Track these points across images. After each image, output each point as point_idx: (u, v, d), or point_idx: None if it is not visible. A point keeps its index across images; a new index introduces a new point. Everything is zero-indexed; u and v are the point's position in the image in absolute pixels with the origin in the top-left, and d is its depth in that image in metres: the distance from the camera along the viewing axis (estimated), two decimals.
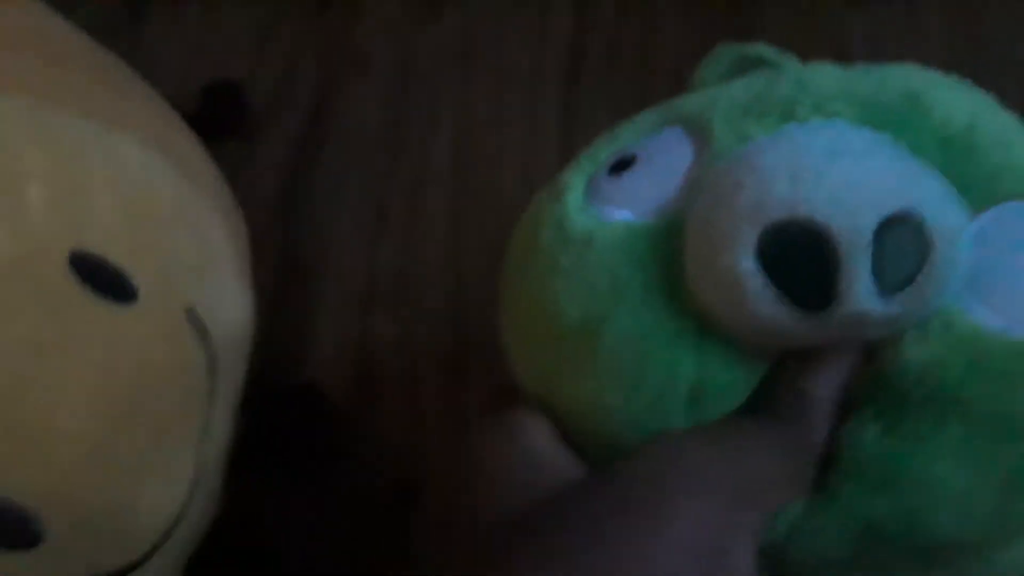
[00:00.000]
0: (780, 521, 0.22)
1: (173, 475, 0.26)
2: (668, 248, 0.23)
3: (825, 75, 0.24)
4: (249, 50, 0.42)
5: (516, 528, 0.21)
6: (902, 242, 0.21)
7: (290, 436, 0.33)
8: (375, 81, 0.41)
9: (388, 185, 0.38)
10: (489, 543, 0.21)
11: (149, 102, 0.31)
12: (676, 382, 0.22)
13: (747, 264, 0.21)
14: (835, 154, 0.22)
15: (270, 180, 0.39)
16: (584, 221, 0.24)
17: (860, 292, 0.21)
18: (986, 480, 0.21)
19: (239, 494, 0.29)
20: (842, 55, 0.25)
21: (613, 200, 0.24)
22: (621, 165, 0.25)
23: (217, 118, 0.39)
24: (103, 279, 0.25)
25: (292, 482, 0.33)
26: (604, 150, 0.26)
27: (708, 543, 0.20)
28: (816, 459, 0.22)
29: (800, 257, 0.21)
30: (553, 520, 0.21)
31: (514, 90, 0.40)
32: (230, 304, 0.29)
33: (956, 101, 0.24)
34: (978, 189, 0.22)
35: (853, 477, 0.22)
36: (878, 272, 0.21)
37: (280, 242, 0.38)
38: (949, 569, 0.23)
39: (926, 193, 0.22)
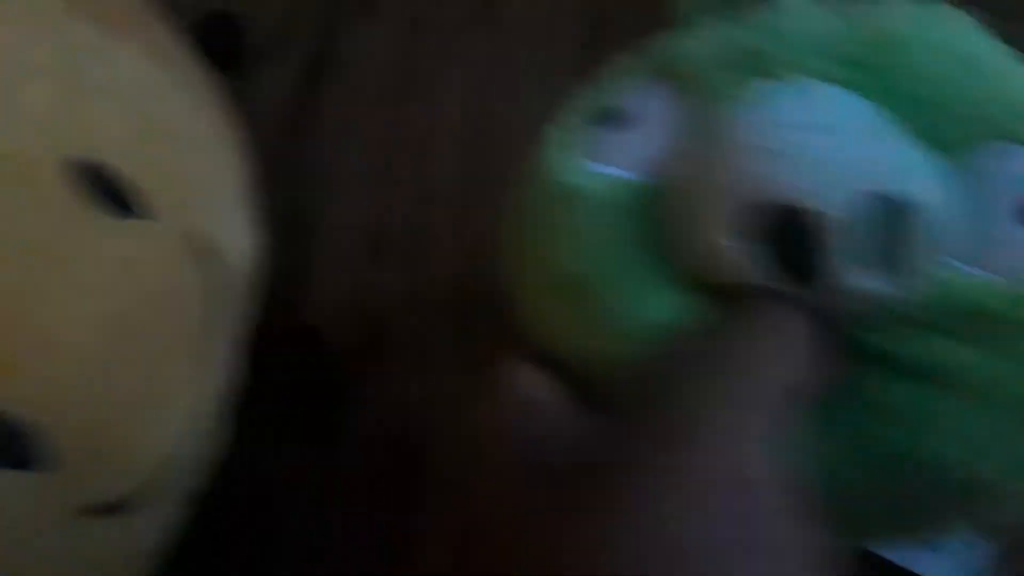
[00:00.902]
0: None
1: (171, 403, 0.24)
2: (653, 205, 0.23)
3: (808, 22, 0.24)
4: None
5: (546, 483, 0.20)
6: (880, 220, 0.21)
7: (288, 377, 0.31)
8: (383, 25, 0.40)
9: (395, 135, 0.37)
10: (519, 504, 0.20)
11: (155, 19, 0.29)
12: (662, 327, 0.23)
13: (728, 241, 0.22)
14: (813, 129, 0.22)
15: (270, 124, 0.38)
16: (573, 176, 0.24)
17: (840, 269, 0.21)
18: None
19: (238, 442, 0.28)
20: None
21: (601, 156, 0.24)
22: (607, 119, 0.25)
23: (212, 52, 0.37)
24: (107, 191, 0.23)
25: (291, 428, 0.31)
26: (591, 103, 0.26)
27: (733, 458, 0.19)
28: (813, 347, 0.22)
29: (779, 236, 0.21)
30: (584, 471, 0.20)
31: (529, 48, 0.38)
32: (234, 233, 0.28)
33: (942, 44, 0.23)
34: (957, 135, 0.22)
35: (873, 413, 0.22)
36: (857, 250, 0.21)
37: (281, 188, 0.36)
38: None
39: (903, 168, 0.22)
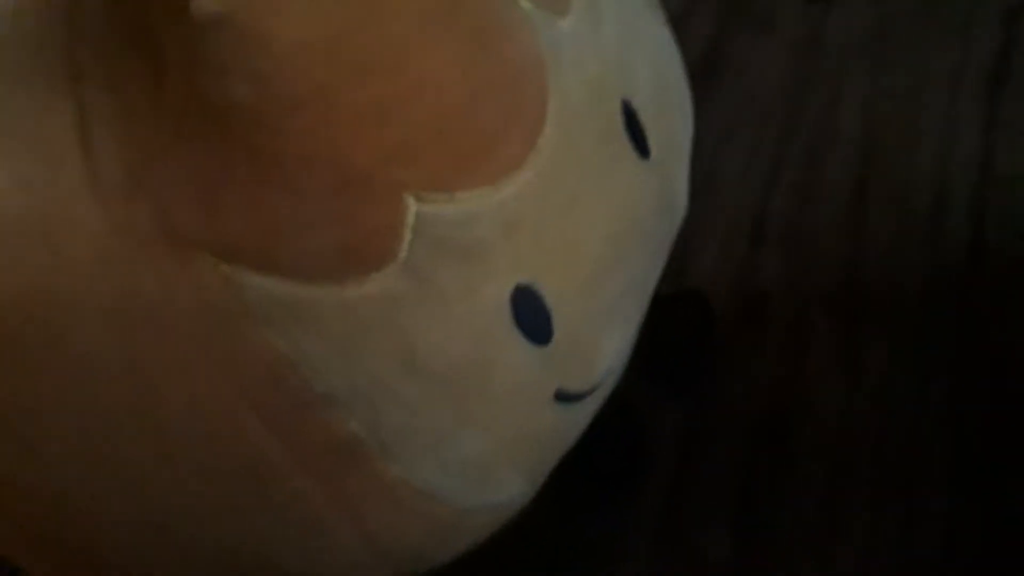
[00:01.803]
0: None
1: (626, 320, 0.28)
2: None
3: None
4: None
5: None
6: None
7: (672, 337, 0.35)
8: (779, 41, 0.43)
9: (786, 138, 0.40)
10: None
11: None
12: None
13: None
14: None
15: None
16: None
17: None
18: None
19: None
20: None
21: None
22: None
23: None
24: (633, 130, 0.27)
25: (666, 385, 0.35)
26: None
27: None
28: None
29: None
30: None
31: (933, 79, 0.41)
32: (683, 190, 0.31)
33: None
34: None
35: None
36: None
37: None
38: None
39: None
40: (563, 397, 0.27)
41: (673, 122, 0.30)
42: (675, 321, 0.36)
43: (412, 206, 0.22)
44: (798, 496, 0.34)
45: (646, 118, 0.28)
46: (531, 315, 0.25)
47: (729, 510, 0.34)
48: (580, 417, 0.29)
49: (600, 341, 0.27)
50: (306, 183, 0.21)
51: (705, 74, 0.43)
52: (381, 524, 0.24)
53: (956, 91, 0.41)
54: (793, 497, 0.34)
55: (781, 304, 0.37)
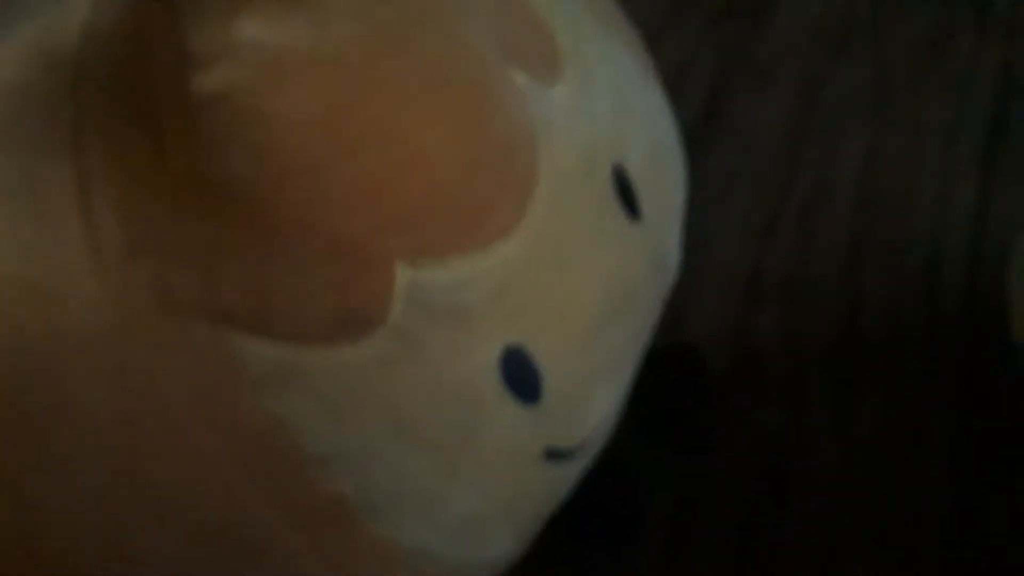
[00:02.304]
0: None
1: (617, 377, 0.28)
2: None
3: None
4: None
5: None
6: None
7: (666, 391, 0.35)
8: (777, 97, 0.43)
9: (783, 193, 0.41)
10: None
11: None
12: None
13: None
14: None
15: None
16: None
17: None
18: None
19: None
20: None
21: None
22: None
23: None
24: (625, 195, 0.27)
25: (666, 434, 0.35)
26: None
27: None
28: None
29: None
30: None
31: (930, 136, 0.41)
32: (674, 250, 0.32)
33: None
34: None
35: None
36: None
37: None
38: None
39: None
40: (553, 455, 0.27)
41: (665, 184, 0.31)
42: (669, 375, 0.36)
43: (404, 273, 0.23)
44: (796, 551, 0.34)
45: (638, 181, 0.28)
46: (521, 375, 0.25)
47: (728, 565, 0.34)
48: (570, 474, 0.29)
49: (590, 398, 0.28)
50: (301, 252, 0.22)
51: (702, 130, 0.44)
52: None
53: (952, 147, 0.41)
54: (791, 552, 0.34)
55: (777, 360, 0.37)
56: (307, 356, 0.22)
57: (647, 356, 0.31)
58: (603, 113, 0.27)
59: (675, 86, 0.45)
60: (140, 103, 0.22)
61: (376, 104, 0.22)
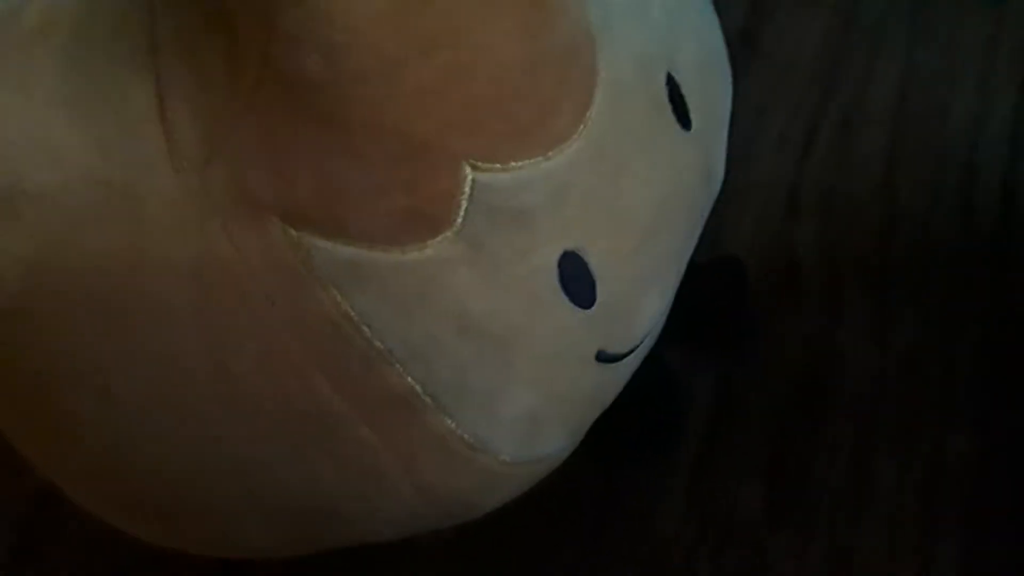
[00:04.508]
0: None
1: (665, 285, 0.29)
2: None
3: None
4: None
5: None
6: None
7: (708, 301, 0.36)
8: (815, 15, 0.44)
9: (821, 110, 0.41)
10: None
11: None
12: None
13: None
14: None
15: None
16: None
17: None
18: None
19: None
20: None
21: None
22: None
23: None
24: (676, 103, 0.28)
25: (702, 348, 0.36)
26: None
27: None
28: None
29: None
30: None
31: (966, 54, 0.41)
32: (720, 161, 0.32)
33: None
34: None
35: None
36: None
37: None
38: None
39: None
40: (604, 358, 0.28)
41: (714, 94, 0.31)
42: (711, 286, 0.37)
43: (469, 175, 0.23)
44: (829, 455, 0.35)
45: (689, 91, 0.29)
46: (577, 281, 0.26)
47: (762, 468, 0.35)
48: (619, 376, 0.30)
49: (640, 305, 0.28)
50: (371, 152, 0.23)
51: (743, 47, 0.44)
52: (433, 473, 0.26)
53: (988, 65, 0.42)
54: (824, 456, 0.35)
55: (814, 271, 0.38)
56: (377, 257, 0.23)
57: (690, 267, 0.32)
58: (659, 23, 0.27)
59: (715, 4, 0.45)
60: (214, 7, 0.23)
61: (444, 4, 0.22)
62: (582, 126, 0.25)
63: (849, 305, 0.37)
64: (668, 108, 0.27)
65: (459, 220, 0.23)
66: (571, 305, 0.26)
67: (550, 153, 0.24)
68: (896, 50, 0.43)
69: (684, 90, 0.29)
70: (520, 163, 0.24)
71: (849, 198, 0.39)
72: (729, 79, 0.33)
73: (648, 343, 0.31)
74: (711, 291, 0.37)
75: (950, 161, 0.39)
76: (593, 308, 0.26)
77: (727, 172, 0.32)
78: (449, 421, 0.25)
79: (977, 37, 0.43)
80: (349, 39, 0.21)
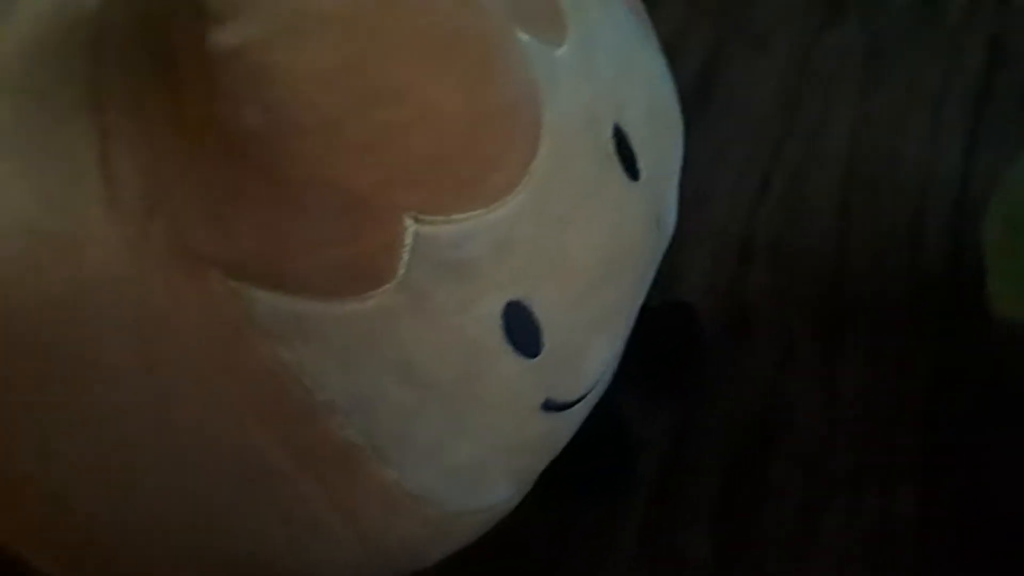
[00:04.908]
0: None
1: (613, 333, 0.29)
2: None
3: None
4: None
5: None
6: None
7: (661, 346, 0.36)
8: (772, 61, 0.44)
9: (775, 157, 0.42)
10: None
11: None
12: None
13: None
14: None
15: None
16: None
17: None
18: None
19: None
20: None
21: None
22: None
23: None
24: (624, 155, 0.28)
25: (654, 392, 0.36)
26: None
27: None
28: None
29: None
30: None
31: (918, 101, 0.42)
32: (671, 209, 0.33)
33: None
34: None
35: None
36: None
37: None
38: None
39: None
40: (552, 406, 0.28)
41: (664, 145, 0.31)
42: (664, 332, 0.37)
43: (411, 227, 0.23)
44: (777, 502, 0.35)
45: (637, 142, 0.29)
46: (522, 329, 0.26)
47: (711, 513, 0.35)
48: (567, 425, 0.30)
49: (588, 353, 0.29)
50: (312, 205, 0.23)
51: (699, 93, 0.45)
52: (375, 525, 0.26)
53: (939, 112, 0.42)
54: (772, 503, 0.35)
55: (767, 316, 0.38)
56: (318, 309, 0.23)
57: (642, 312, 0.32)
58: (605, 73, 0.28)
59: (672, 53, 0.46)
60: (158, 59, 0.23)
61: (384, 62, 0.22)
62: (526, 178, 0.25)
63: (800, 351, 0.38)
64: (615, 159, 0.28)
65: (401, 271, 0.24)
66: (516, 355, 0.26)
67: (493, 205, 0.24)
68: (849, 98, 0.44)
69: (633, 141, 0.29)
70: (463, 216, 0.24)
71: (801, 244, 0.40)
72: (680, 128, 0.33)
73: (599, 390, 0.31)
74: (663, 336, 0.37)
75: (900, 207, 0.40)
76: (539, 357, 0.27)
77: (681, 218, 0.33)
78: (392, 472, 0.25)
79: (929, 85, 0.44)
80: (289, 95, 0.21)
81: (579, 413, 0.30)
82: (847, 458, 0.36)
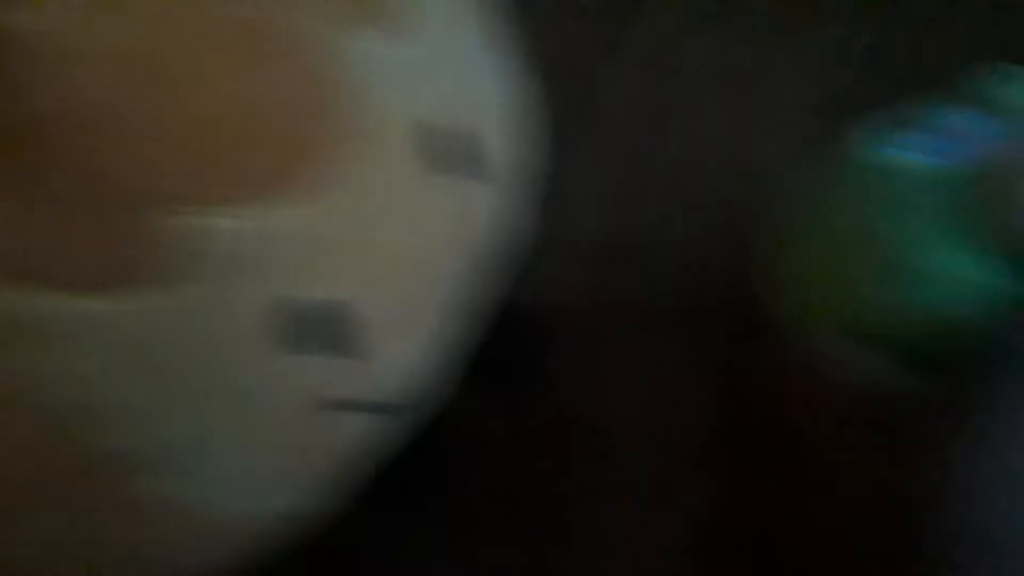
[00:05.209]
0: None
1: (423, 334, 0.29)
2: (955, 185, 0.30)
3: None
4: None
5: None
6: None
7: (505, 351, 0.36)
8: (640, 70, 0.44)
9: (643, 166, 0.42)
10: None
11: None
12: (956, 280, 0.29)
13: None
14: None
15: None
16: (882, 157, 0.31)
17: None
18: None
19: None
20: None
21: (908, 146, 0.31)
22: (915, 125, 0.32)
23: None
24: (471, 156, 0.28)
25: (494, 390, 0.37)
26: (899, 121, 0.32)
27: None
28: None
29: None
30: None
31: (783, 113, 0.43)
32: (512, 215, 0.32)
33: None
34: None
35: None
36: None
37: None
38: None
39: None
40: (345, 406, 0.27)
41: (515, 148, 0.31)
42: (509, 335, 0.37)
43: (184, 221, 0.23)
44: (570, 496, 0.36)
45: (486, 145, 0.29)
46: (312, 327, 0.25)
47: (521, 516, 0.36)
48: (380, 430, 0.30)
49: (392, 354, 0.28)
50: (71, 197, 0.22)
51: (569, 103, 0.44)
52: (154, 533, 0.25)
53: (799, 118, 0.43)
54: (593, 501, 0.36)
55: (619, 320, 0.39)
56: (81, 307, 0.23)
57: (488, 315, 0.32)
58: (445, 78, 0.27)
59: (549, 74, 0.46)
60: None
61: (173, 51, 0.22)
62: (328, 178, 0.24)
63: (615, 353, 0.38)
64: (446, 161, 0.27)
65: (174, 267, 0.23)
66: (303, 354, 0.25)
67: (272, 203, 0.24)
68: (715, 103, 0.43)
69: (483, 144, 0.29)
70: (244, 211, 0.24)
71: (663, 248, 0.40)
72: (533, 135, 0.33)
73: (421, 398, 0.30)
74: (508, 340, 0.37)
75: (735, 209, 0.40)
76: (336, 356, 0.26)
77: (540, 222, 0.33)
78: (164, 481, 0.24)
79: (794, 91, 0.44)
80: (47, 82, 0.21)
81: (396, 419, 0.29)
82: (660, 457, 0.36)
